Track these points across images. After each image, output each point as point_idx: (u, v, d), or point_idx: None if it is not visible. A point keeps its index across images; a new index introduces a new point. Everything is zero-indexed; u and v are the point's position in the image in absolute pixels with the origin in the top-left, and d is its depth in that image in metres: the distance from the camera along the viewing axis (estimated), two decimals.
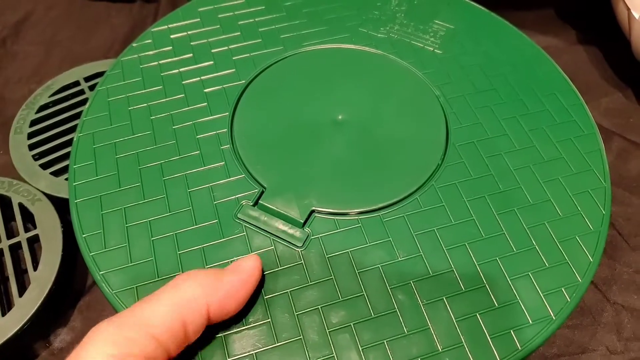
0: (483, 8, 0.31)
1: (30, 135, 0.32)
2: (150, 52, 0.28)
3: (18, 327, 0.24)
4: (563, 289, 0.21)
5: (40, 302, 0.24)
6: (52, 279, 0.25)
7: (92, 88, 0.34)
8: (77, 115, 0.33)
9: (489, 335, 0.20)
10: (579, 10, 0.37)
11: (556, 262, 0.22)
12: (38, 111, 0.33)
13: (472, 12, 0.31)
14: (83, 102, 0.34)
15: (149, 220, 0.22)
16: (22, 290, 0.25)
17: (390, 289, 0.21)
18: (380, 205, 0.23)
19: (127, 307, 0.19)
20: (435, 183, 0.24)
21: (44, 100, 0.33)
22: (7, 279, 0.26)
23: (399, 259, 0.21)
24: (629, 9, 0.28)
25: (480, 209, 0.23)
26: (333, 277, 0.21)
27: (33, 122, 0.33)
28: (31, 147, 0.32)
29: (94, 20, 0.37)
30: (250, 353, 0.19)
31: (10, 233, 0.29)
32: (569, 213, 0.23)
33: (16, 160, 0.31)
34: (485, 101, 0.27)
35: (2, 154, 0.33)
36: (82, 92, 0.34)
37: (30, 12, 0.37)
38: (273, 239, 0.22)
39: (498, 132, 0.26)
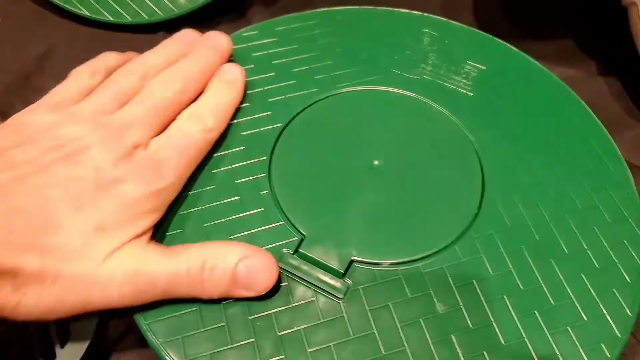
0: (514, 48, 0.32)
1: None
2: None
3: None
4: (602, 345, 0.21)
5: (82, 353, 0.25)
6: (93, 329, 0.25)
7: None
8: None
9: None
10: (599, 41, 0.37)
11: (594, 316, 0.22)
12: None
13: (503, 52, 0.31)
14: None
15: None
16: (63, 341, 0.25)
17: (432, 342, 0.21)
18: (420, 255, 0.23)
19: (172, 357, 0.20)
20: (472, 233, 0.24)
21: None
22: (49, 329, 0.26)
23: (440, 312, 0.22)
24: None
25: (518, 260, 0.23)
26: (375, 330, 0.21)
27: None
28: None
29: (118, 51, 0.37)
30: None
31: None
32: (606, 264, 0.23)
33: None
34: (519, 147, 0.27)
35: None
36: None
37: (53, 45, 0.37)
38: (314, 290, 0.22)
39: (533, 179, 0.26)
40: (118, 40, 0.37)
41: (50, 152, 0.21)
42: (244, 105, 0.28)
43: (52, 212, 0.20)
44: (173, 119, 0.24)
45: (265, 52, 0.31)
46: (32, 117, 0.22)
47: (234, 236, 0.23)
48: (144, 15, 0.37)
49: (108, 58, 0.26)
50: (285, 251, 0.23)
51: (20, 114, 0.23)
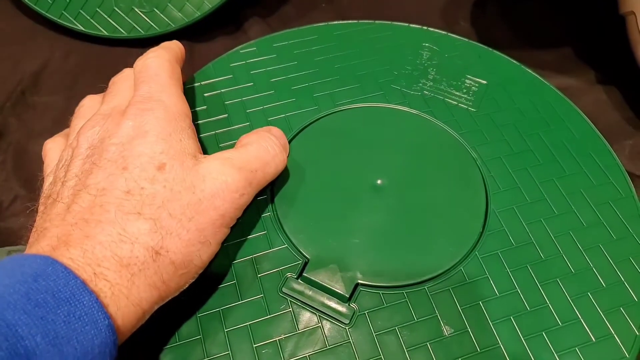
0: (514, 61, 0.31)
1: None
2: None
3: None
4: None
5: None
6: None
7: None
8: None
9: None
10: (597, 50, 0.37)
11: (602, 336, 0.22)
12: None
13: (504, 66, 0.31)
14: None
15: (197, 296, 0.22)
16: None
17: None
18: (426, 277, 0.23)
19: None
20: (478, 253, 0.24)
21: None
22: None
23: (447, 336, 0.21)
24: None
25: (524, 280, 0.23)
26: (382, 356, 0.21)
27: None
28: None
29: (113, 66, 0.37)
30: None
31: None
32: (612, 282, 0.23)
33: None
34: (522, 163, 0.27)
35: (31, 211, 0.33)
36: None
37: (48, 60, 0.37)
38: (320, 316, 0.22)
39: (537, 196, 0.26)
40: (114, 55, 0.37)
41: None
42: (244, 124, 0.28)
43: None
44: None
45: (264, 69, 0.31)
46: None
47: (236, 261, 0.23)
48: (140, 30, 0.36)
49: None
50: (289, 275, 0.23)
51: None
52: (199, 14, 0.36)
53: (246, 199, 0.22)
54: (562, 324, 0.22)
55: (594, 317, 0.22)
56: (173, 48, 0.27)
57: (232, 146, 0.26)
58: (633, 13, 0.31)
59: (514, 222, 0.25)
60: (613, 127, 0.36)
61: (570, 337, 0.22)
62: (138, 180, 0.20)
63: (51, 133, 0.34)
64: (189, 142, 0.22)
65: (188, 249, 0.20)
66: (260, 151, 0.23)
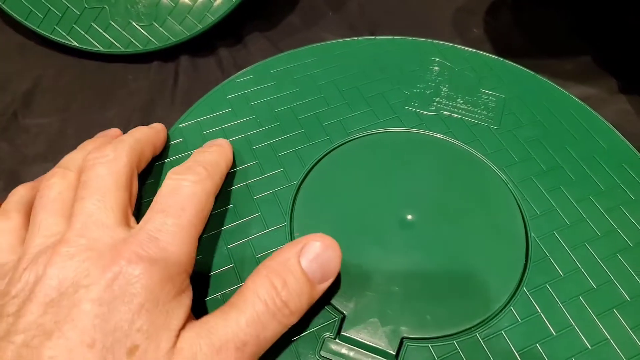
0: (528, 70, 0.30)
1: None
2: (180, 155, 0.26)
3: None
4: None
5: None
6: None
7: None
8: None
9: None
10: (618, 57, 0.35)
11: None
12: None
13: (518, 76, 0.30)
14: None
15: None
16: None
17: None
18: (475, 322, 0.21)
19: None
20: (525, 288, 0.22)
21: None
22: None
23: None
24: None
25: (578, 314, 0.21)
26: None
27: None
28: None
29: (110, 84, 0.34)
30: None
31: None
32: None
33: None
34: (555, 182, 0.25)
35: None
36: None
37: (40, 78, 0.34)
38: None
39: (576, 217, 0.24)
40: (110, 71, 0.34)
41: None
42: (251, 163, 0.25)
43: None
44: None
45: (265, 99, 0.28)
46: None
47: None
48: (138, 45, 0.33)
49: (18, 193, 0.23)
50: (326, 336, 0.20)
51: None
52: (201, 27, 0.33)
53: None
54: (625, 359, 0.20)
55: None
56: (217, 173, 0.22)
57: (242, 188, 0.24)
58: None
59: (557, 248, 0.23)
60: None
61: None
62: None
63: (45, 158, 0.31)
64: (175, 313, 0.17)
65: None
66: (255, 310, 0.18)
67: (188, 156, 0.25)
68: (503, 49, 0.32)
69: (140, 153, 0.22)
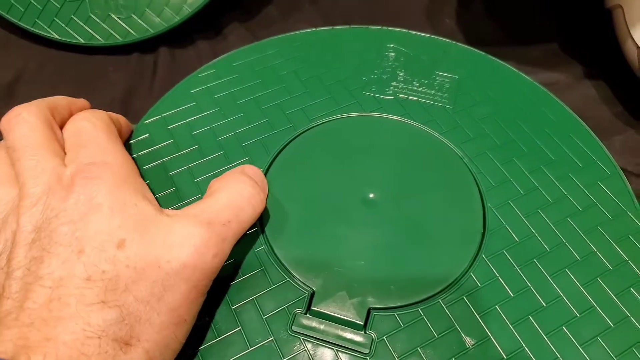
0: (479, 51, 0.31)
1: None
2: (146, 150, 0.26)
3: None
4: (634, 349, 0.21)
5: None
6: None
7: None
8: None
9: None
10: (584, 44, 0.37)
11: (620, 320, 0.21)
12: None
13: (470, 58, 0.31)
14: None
15: (200, 350, 0.20)
16: None
17: None
18: (438, 289, 0.22)
19: None
20: (484, 254, 0.23)
21: None
22: None
23: (470, 347, 0.20)
24: (638, 48, 0.28)
25: (534, 275, 0.22)
26: None
27: None
28: None
29: (91, 76, 0.34)
30: None
31: None
32: (617, 263, 0.23)
33: None
34: (508, 155, 0.26)
35: None
36: None
37: (22, 70, 0.34)
38: (337, 350, 0.20)
39: (529, 187, 0.25)
40: (91, 63, 0.35)
41: None
42: (218, 154, 0.26)
43: None
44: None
45: (228, 91, 0.29)
46: None
47: (236, 306, 0.21)
48: (117, 37, 0.34)
49: None
50: (297, 312, 0.21)
51: None
52: (178, 18, 0.33)
53: (221, 257, 0.20)
54: (579, 314, 0.21)
55: (608, 302, 0.22)
56: (101, 113, 0.24)
57: (210, 178, 0.24)
58: (620, 6, 0.30)
59: (512, 216, 0.24)
60: (603, 123, 0.35)
61: (590, 327, 0.21)
62: (98, 263, 0.17)
63: None
64: (144, 204, 0.20)
65: (162, 334, 0.18)
66: (232, 197, 0.21)
67: (154, 152, 0.26)
68: (474, 38, 0.33)
69: (53, 107, 0.23)
